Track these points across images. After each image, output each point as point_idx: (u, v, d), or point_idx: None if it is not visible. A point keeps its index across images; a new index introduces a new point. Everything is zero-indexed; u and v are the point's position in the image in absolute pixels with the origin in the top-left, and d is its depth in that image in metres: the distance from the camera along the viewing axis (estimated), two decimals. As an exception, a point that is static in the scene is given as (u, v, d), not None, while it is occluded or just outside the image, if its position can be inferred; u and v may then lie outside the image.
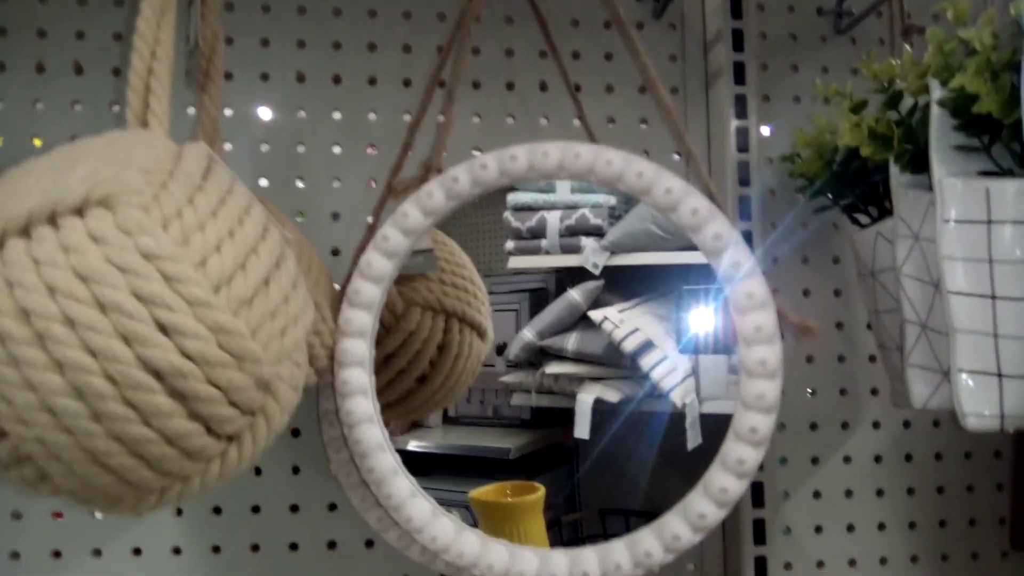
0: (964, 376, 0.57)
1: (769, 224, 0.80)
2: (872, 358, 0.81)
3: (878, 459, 0.81)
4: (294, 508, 0.74)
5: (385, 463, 0.62)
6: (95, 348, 0.36)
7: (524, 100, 0.81)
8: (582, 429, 0.78)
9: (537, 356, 0.83)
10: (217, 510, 0.72)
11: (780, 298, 0.57)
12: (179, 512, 0.72)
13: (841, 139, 0.62)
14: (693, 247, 0.74)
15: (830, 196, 0.77)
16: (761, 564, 0.76)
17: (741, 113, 0.79)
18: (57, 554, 0.69)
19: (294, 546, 0.74)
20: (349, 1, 0.78)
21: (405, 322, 0.73)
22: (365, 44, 0.79)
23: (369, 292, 0.61)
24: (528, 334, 0.84)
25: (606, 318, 0.79)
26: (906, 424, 0.82)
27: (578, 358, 0.81)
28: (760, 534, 0.76)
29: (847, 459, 0.80)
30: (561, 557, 0.60)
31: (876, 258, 0.72)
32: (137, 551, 0.71)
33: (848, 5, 0.86)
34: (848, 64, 0.87)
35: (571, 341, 0.82)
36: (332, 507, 0.75)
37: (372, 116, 0.79)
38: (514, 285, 0.84)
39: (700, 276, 0.74)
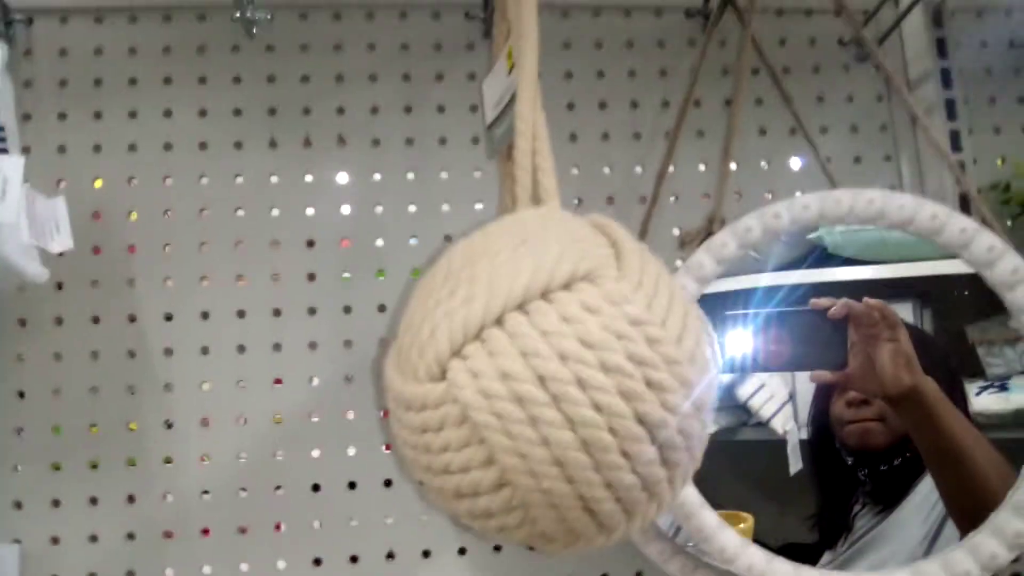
0: None
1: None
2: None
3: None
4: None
5: (695, 496, 0.67)
6: (602, 406, 0.41)
7: (744, 145, 0.86)
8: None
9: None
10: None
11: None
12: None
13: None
14: (787, 267, 0.75)
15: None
16: None
17: (956, 147, 0.83)
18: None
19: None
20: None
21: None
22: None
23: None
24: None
25: None
26: None
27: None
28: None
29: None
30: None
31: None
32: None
33: (1039, 37, 0.91)
34: (1043, 93, 0.91)
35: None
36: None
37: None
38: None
39: (788, 296, 0.75)
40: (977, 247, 0.62)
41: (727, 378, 0.81)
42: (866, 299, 0.67)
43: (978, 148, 0.88)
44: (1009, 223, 0.85)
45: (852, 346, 0.68)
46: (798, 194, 0.81)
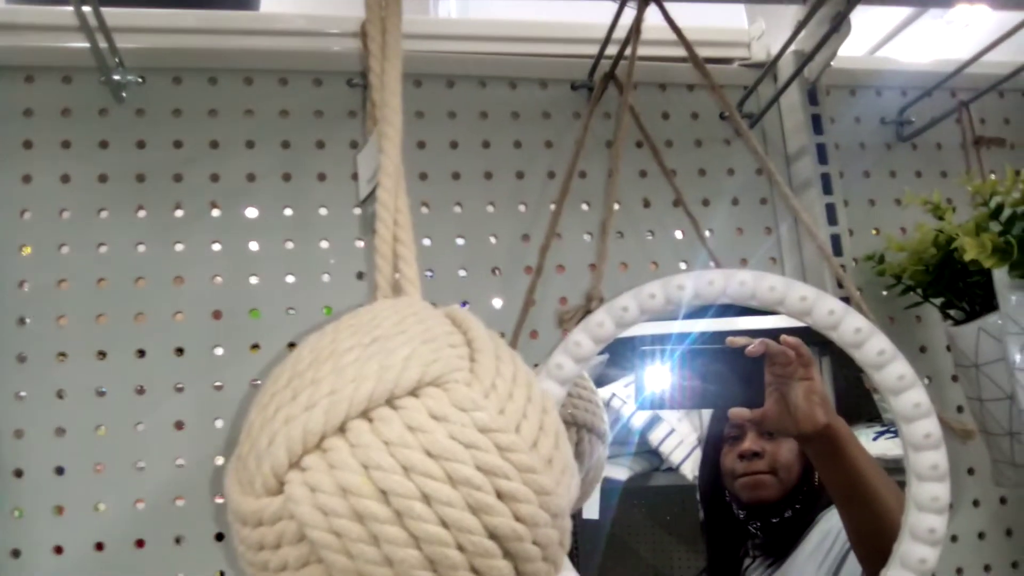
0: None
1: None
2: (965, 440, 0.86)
3: (982, 536, 0.86)
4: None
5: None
6: (450, 521, 0.39)
7: (629, 216, 0.87)
8: (592, 509, 0.79)
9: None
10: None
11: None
12: None
13: (967, 254, 0.68)
14: (697, 315, 0.75)
15: (920, 293, 0.83)
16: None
17: (832, 221, 0.85)
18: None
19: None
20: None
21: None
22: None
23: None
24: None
25: (614, 395, 0.80)
26: (1003, 500, 0.87)
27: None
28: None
29: (954, 538, 0.85)
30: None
31: (980, 351, 0.78)
32: None
33: (907, 114, 0.95)
34: (912, 168, 0.94)
35: (575, 420, 0.84)
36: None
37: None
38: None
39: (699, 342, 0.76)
40: (845, 329, 0.63)
41: (640, 421, 0.80)
42: (783, 337, 0.67)
43: (853, 220, 0.90)
44: (884, 292, 0.88)
45: (767, 385, 0.69)
46: (682, 265, 0.83)
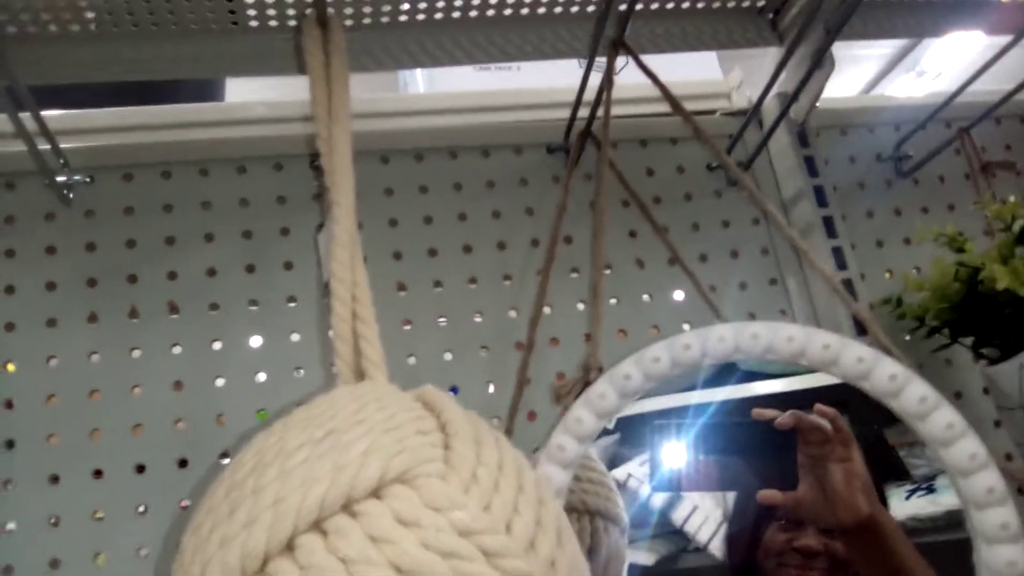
0: None
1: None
2: (1020, 490, 0.78)
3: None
4: None
5: None
6: (429, 656, 0.31)
7: (622, 279, 0.81)
8: (617, 602, 0.71)
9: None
10: None
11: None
12: None
13: (999, 283, 0.61)
14: (717, 382, 0.68)
15: (947, 334, 0.76)
16: None
17: (841, 265, 0.79)
18: None
19: None
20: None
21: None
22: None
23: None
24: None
25: (630, 475, 0.73)
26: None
27: (602, 525, 0.76)
28: None
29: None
30: None
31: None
32: None
33: (904, 148, 0.90)
34: (917, 204, 0.89)
35: (593, 507, 0.77)
36: None
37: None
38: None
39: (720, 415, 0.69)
40: (878, 376, 0.56)
41: (660, 500, 0.73)
42: (818, 406, 0.59)
43: (863, 263, 0.84)
44: (907, 337, 0.81)
45: (801, 466, 0.60)
46: (685, 327, 0.76)
